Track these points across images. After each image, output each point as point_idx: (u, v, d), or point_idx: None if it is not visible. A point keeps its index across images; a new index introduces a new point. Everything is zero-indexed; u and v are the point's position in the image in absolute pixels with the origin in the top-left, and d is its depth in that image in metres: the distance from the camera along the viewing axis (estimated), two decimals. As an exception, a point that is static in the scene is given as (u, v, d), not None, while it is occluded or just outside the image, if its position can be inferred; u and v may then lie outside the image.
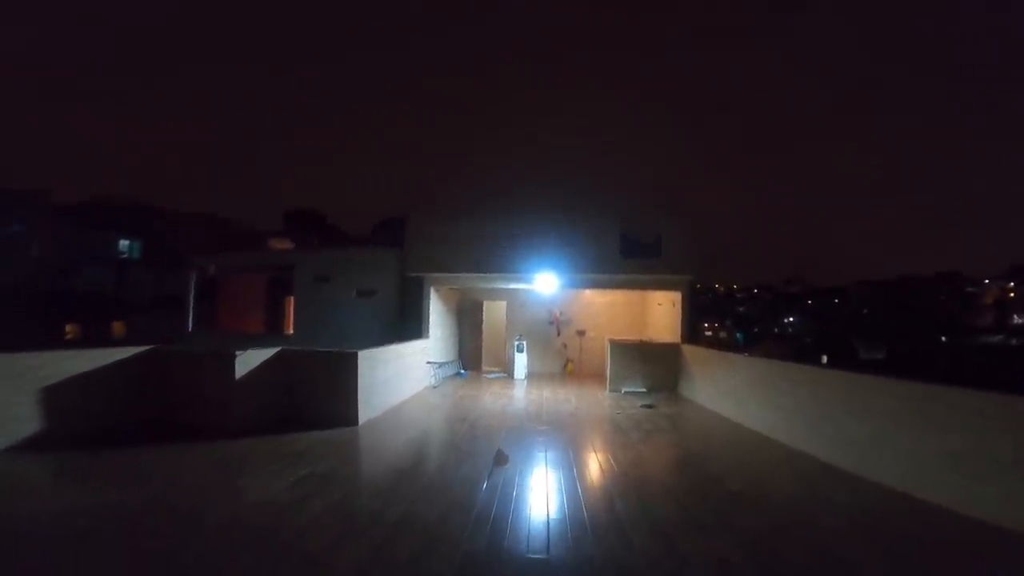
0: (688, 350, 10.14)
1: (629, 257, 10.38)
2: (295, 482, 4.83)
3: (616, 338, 13.07)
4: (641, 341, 11.38)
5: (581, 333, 13.60)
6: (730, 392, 8.05)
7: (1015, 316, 55.21)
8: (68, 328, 24.38)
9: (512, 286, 10.90)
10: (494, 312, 14.74)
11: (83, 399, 6.06)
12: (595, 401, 9.47)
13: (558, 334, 13.60)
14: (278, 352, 7.23)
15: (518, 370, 12.25)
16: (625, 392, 10.13)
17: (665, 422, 7.77)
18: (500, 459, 5.56)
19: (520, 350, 12.26)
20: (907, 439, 4.72)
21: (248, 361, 6.66)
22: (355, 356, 6.96)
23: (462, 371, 12.64)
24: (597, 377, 12.75)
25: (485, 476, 5.03)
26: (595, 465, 5.55)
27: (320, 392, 7.17)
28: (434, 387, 10.48)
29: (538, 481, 4.95)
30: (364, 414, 7.23)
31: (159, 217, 29.62)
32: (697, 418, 8.10)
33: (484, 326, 14.05)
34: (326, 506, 4.24)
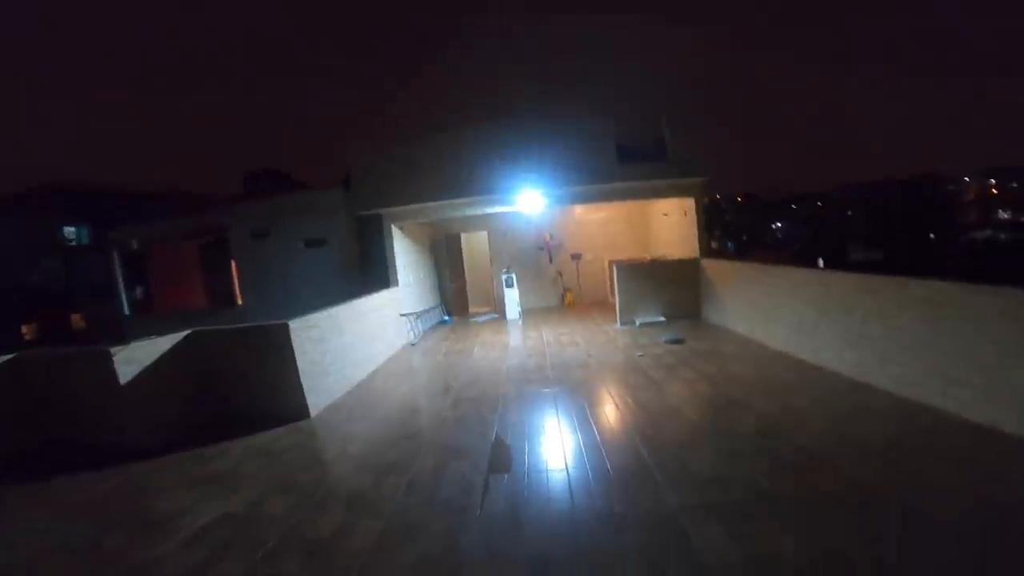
0: (711, 266, 8.38)
1: (628, 163, 8.27)
2: (193, 536, 3.18)
3: (619, 259, 11.28)
4: (652, 260, 9.59)
5: (576, 257, 11.78)
6: (785, 317, 6.38)
7: (999, 211, 54.96)
8: (24, 329, 22.42)
9: (492, 210, 8.85)
10: (475, 245, 12.77)
11: None
12: (607, 340, 7.83)
13: (550, 261, 11.77)
14: (185, 337, 5.34)
15: (510, 309, 10.54)
16: (640, 324, 8.49)
17: (705, 363, 6.15)
18: (500, 461, 3.91)
19: (510, 285, 10.47)
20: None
21: (136, 357, 4.78)
22: (286, 329, 5.10)
23: (446, 317, 10.91)
24: (601, 307, 11.10)
25: (480, 494, 3.38)
26: (635, 454, 3.91)
27: (252, 382, 5.39)
28: (413, 344, 8.77)
29: (560, 500, 3.30)
30: (317, 401, 5.52)
31: (110, 198, 26.39)
32: (744, 354, 6.50)
33: (465, 262, 12.14)
34: (215, 613, 2.58)
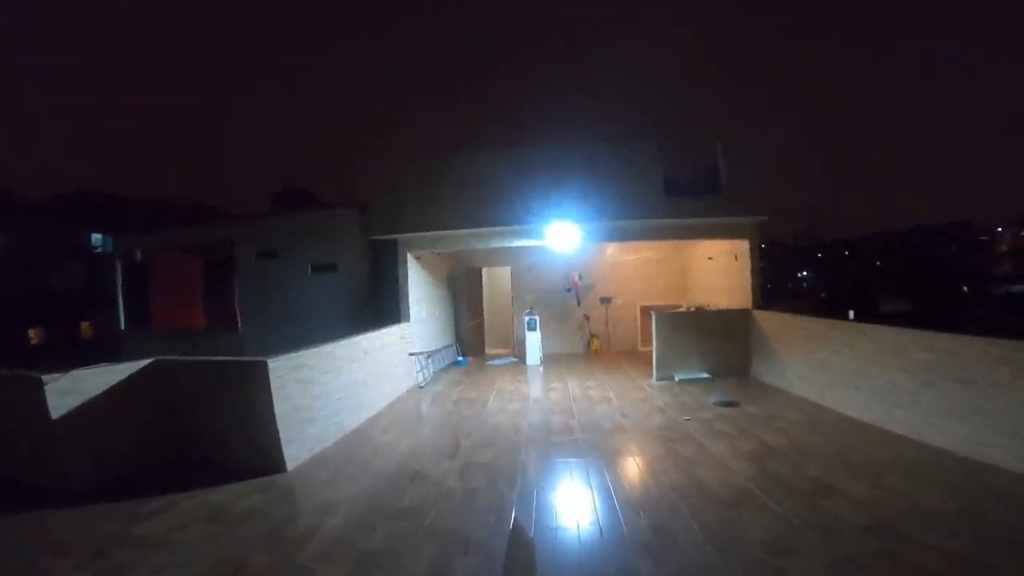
0: (766, 319, 7.33)
1: (676, 196, 7.44)
2: None
3: (653, 305, 10.29)
4: (698, 308, 8.58)
5: (606, 301, 10.81)
6: (870, 382, 5.29)
7: (1034, 263, 52.38)
8: (31, 333, 22.51)
9: (518, 243, 8.04)
10: (496, 281, 11.94)
11: None
12: (643, 398, 6.75)
13: (578, 304, 10.82)
14: (148, 366, 4.51)
15: (531, 354, 9.54)
16: (680, 380, 7.40)
17: (769, 432, 5.04)
18: (520, 562, 2.88)
19: (532, 327, 9.51)
20: None
21: (80, 387, 3.94)
22: (264, 368, 4.22)
23: (460, 358, 9.95)
24: (631, 357, 10.02)
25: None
26: (707, 561, 2.83)
27: (222, 424, 4.50)
28: (422, 387, 7.80)
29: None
30: (297, 452, 4.57)
31: (136, 207, 26.97)
32: (815, 423, 5.37)
33: (485, 299, 11.28)
34: None
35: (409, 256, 8.17)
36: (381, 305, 8.19)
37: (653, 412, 6.04)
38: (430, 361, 8.48)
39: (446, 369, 9.25)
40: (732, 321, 7.71)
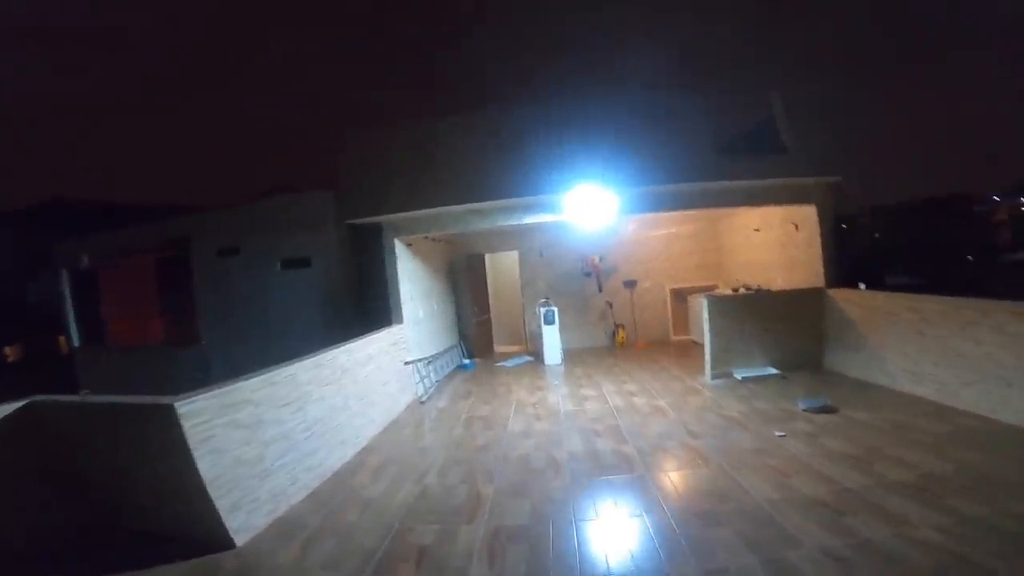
0: (849, 299, 5.89)
1: (730, 155, 5.93)
2: None
3: (684, 286, 8.89)
4: (757, 289, 7.12)
5: (630, 284, 9.35)
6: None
7: (1035, 232, 51.48)
8: (8, 350, 20.93)
9: (530, 219, 6.52)
10: (502, 268, 10.46)
11: None
12: (704, 403, 5.32)
13: (599, 289, 9.34)
14: (22, 409, 3.04)
15: (550, 351, 8.09)
16: (743, 378, 5.97)
17: (910, 451, 3.60)
18: None
19: (550, 321, 8.05)
20: None
21: None
22: (170, 414, 2.74)
23: (466, 361, 8.49)
24: (665, 349, 8.59)
25: None
26: None
27: (136, 486, 3.04)
28: (423, 401, 6.35)
29: None
30: (250, 520, 3.15)
31: (121, 214, 25.26)
32: (965, 433, 3.95)
33: (490, 290, 9.80)
34: None
35: (398, 244, 6.65)
36: (368, 305, 6.70)
37: (730, 427, 4.60)
38: (431, 368, 7.01)
39: (451, 375, 7.79)
40: (800, 303, 6.27)
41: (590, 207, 6.02)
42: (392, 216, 6.32)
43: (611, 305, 9.30)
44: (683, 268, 9.39)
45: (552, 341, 8.07)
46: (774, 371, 6.05)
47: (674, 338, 9.21)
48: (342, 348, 4.74)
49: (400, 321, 6.37)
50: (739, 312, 6.22)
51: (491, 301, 9.71)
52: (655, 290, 9.37)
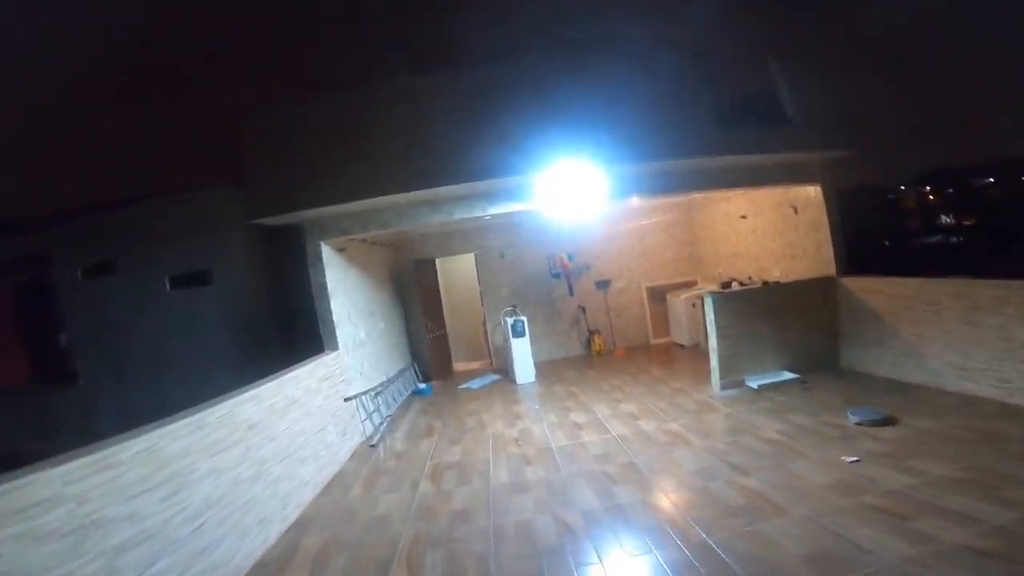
0: (868, 288, 5.12)
1: (731, 127, 4.99)
2: None
3: (661, 284, 8.05)
4: (764, 283, 6.25)
5: (603, 285, 8.35)
6: None
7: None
8: None
9: (492, 211, 5.27)
10: (457, 274, 9.16)
11: None
12: (730, 423, 4.31)
13: (571, 292, 8.26)
14: None
15: (521, 368, 6.87)
16: (759, 387, 5.04)
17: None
18: None
19: (519, 332, 6.84)
20: None
21: None
22: None
23: (422, 385, 7.10)
24: (648, 355, 7.64)
25: None
26: None
27: None
28: (373, 444, 4.93)
29: None
30: None
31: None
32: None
33: (444, 299, 8.46)
34: None
35: (326, 249, 5.18)
36: (292, 330, 5.20)
37: (780, 454, 3.59)
38: (380, 400, 5.60)
39: (405, 404, 6.39)
40: (811, 296, 5.46)
41: (570, 191, 4.88)
42: (314, 213, 4.85)
43: (584, 309, 8.24)
44: (658, 264, 8.51)
45: (523, 356, 6.86)
46: (791, 375, 5.17)
47: (654, 341, 8.29)
48: (247, 395, 3.28)
49: (335, 347, 4.90)
50: (749, 310, 5.30)
51: (446, 313, 8.38)
52: (630, 290, 8.42)
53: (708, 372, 5.68)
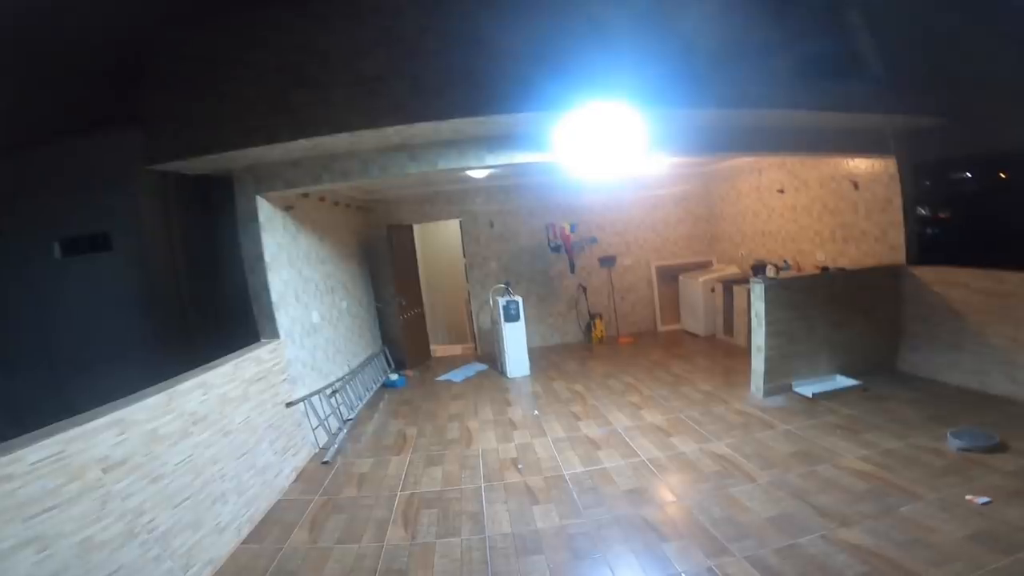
0: (951, 279, 4.14)
1: (811, 77, 3.82)
2: None
3: (672, 264, 7.07)
4: (821, 270, 5.22)
5: (608, 262, 7.26)
6: None
7: None
8: None
9: (493, 161, 4.02)
10: (438, 243, 7.98)
11: None
12: (792, 446, 3.32)
13: (572, 269, 7.16)
14: None
15: (514, 359, 5.79)
16: (814, 395, 4.08)
17: None
18: None
19: (513, 316, 5.73)
20: None
21: None
22: None
23: (393, 376, 5.95)
24: (656, 344, 6.65)
25: None
26: None
27: None
28: (327, 461, 3.80)
29: None
30: None
31: None
32: None
33: (422, 273, 7.27)
34: None
35: (263, 206, 3.87)
36: (225, 313, 3.95)
37: (879, 494, 2.63)
38: (339, 401, 4.44)
39: (372, 402, 5.25)
40: (876, 287, 4.50)
41: (598, 138, 3.70)
42: (245, 156, 3.52)
43: (585, 290, 7.16)
44: (670, 240, 7.45)
45: (516, 344, 5.77)
46: (849, 381, 4.23)
47: (662, 328, 7.31)
48: (101, 421, 2.09)
49: (274, 334, 3.68)
50: (806, 301, 4.30)
51: (424, 289, 7.20)
52: (638, 268, 7.37)
53: (740, 371, 4.75)
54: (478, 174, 5.58)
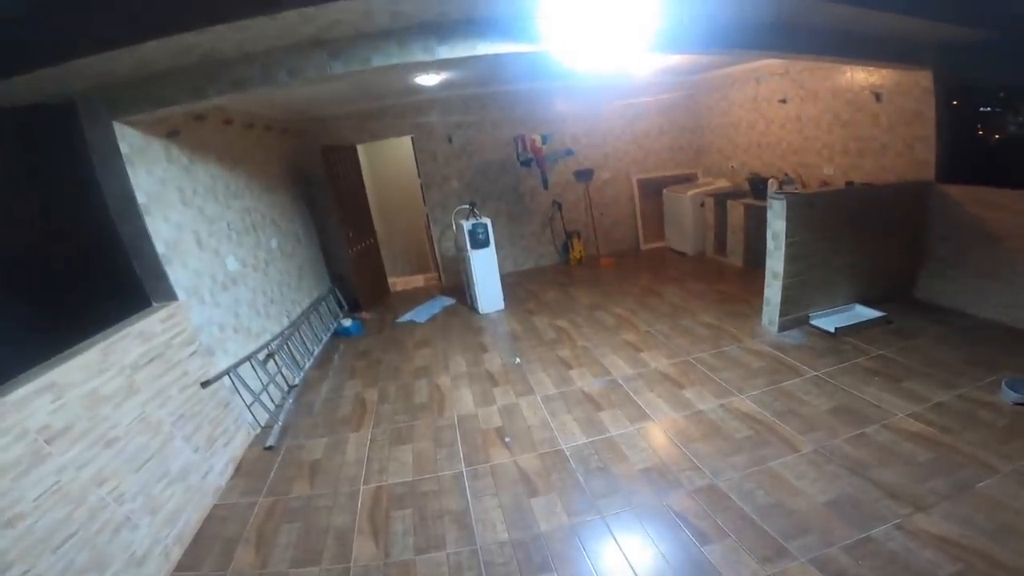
0: (988, 199, 3.54)
1: None
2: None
3: (654, 176, 6.36)
4: (848, 183, 4.52)
5: (585, 176, 6.40)
6: None
7: None
8: None
9: (442, 56, 2.89)
10: (387, 164, 6.84)
11: None
12: (829, 400, 2.83)
13: (544, 185, 6.26)
14: None
15: (485, 293, 5.05)
16: (837, 330, 3.58)
17: None
18: None
19: (483, 241, 4.89)
20: None
21: None
22: None
23: (346, 322, 5.11)
24: (637, 263, 6.02)
25: None
26: None
27: None
28: (270, 447, 3.07)
29: None
30: None
31: None
32: None
33: (373, 200, 6.20)
34: None
35: (129, 133, 2.65)
36: (107, 274, 2.90)
37: (946, 463, 2.18)
38: (280, 363, 3.63)
39: (323, 357, 4.47)
40: (901, 205, 3.90)
41: (597, 25, 2.67)
42: (84, 68, 2.27)
43: (560, 206, 6.33)
44: (653, 152, 6.60)
45: (487, 274, 4.99)
46: (871, 312, 3.75)
47: (645, 247, 6.69)
48: None
49: (168, 296, 2.73)
50: (830, 220, 3.66)
51: (376, 218, 6.17)
52: (618, 182, 6.54)
53: (740, 298, 4.28)
54: (429, 80, 4.47)
